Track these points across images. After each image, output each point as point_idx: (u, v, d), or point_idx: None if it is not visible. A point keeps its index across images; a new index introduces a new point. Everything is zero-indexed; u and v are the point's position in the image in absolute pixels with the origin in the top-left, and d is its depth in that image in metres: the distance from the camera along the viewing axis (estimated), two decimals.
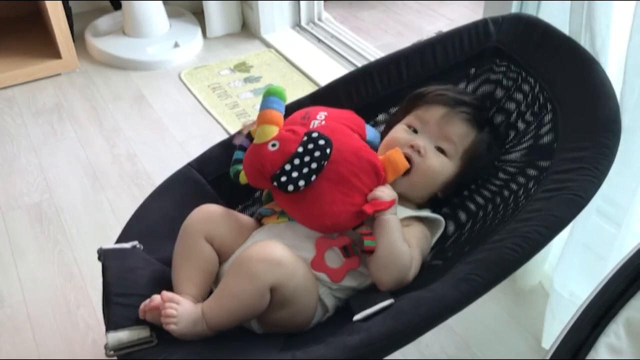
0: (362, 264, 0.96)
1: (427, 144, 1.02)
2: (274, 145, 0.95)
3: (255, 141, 0.98)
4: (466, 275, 0.82)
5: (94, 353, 1.28)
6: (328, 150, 0.93)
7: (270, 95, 0.98)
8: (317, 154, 0.93)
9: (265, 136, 0.96)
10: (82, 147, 1.91)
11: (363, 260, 0.96)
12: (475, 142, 1.04)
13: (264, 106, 0.98)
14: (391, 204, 0.93)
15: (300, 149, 0.93)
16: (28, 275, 1.46)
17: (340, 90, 1.23)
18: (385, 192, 0.94)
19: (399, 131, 1.05)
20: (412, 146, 1.01)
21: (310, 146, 0.93)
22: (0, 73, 2.18)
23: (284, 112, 0.99)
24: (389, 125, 1.12)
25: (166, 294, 0.88)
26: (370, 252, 0.93)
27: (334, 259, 0.95)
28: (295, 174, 0.92)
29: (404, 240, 0.93)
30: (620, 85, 1.02)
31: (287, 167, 0.93)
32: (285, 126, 0.99)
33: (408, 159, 0.99)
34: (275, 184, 0.93)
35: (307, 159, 0.92)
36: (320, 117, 1.05)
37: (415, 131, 1.05)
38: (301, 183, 0.92)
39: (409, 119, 1.07)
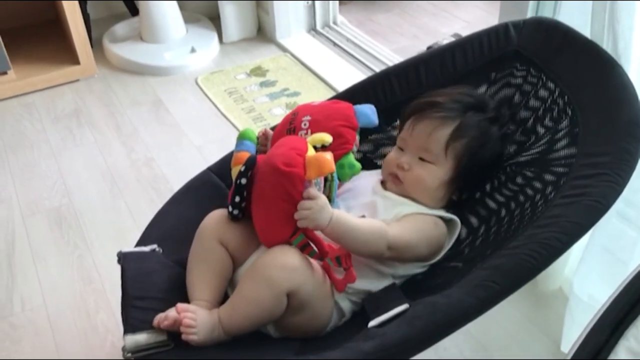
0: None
1: (410, 158, 1.04)
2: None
3: None
4: (483, 281, 0.82)
5: (113, 355, 1.29)
6: (243, 168, 0.94)
7: (238, 139, 1.08)
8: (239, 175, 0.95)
9: (233, 177, 1.02)
10: (100, 152, 1.93)
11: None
12: (457, 131, 1.02)
13: (234, 149, 1.08)
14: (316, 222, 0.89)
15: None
16: (48, 279, 1.48)
17: (358, 95, 1.22)
18: (306, 214, 0.89)
19: (390, 153, 1.09)
20: (397, 165, 1.05)
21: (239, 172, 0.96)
22: (19, 80, 2.21)
23: (252, 149, 1.07)
24: (398, 134, 1.13)
25: (180, 305, 0.88)
26: (320, 258, 0.93)
27: (339, 269, 0.95)
28: (231, 202, 0.97)
29: (356, 227, 0.92)
30: None
31: (231, 199, 0.97)
32: (274, 138, 1.09)
33: (396, 176, 1.04)
34: None
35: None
36: (305, 125, 1.08)
37: (403, 149, 1.07)
38: (230, 208, 0.96)
39: (398, 140, 1.10)
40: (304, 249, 0.92)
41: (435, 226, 1.01)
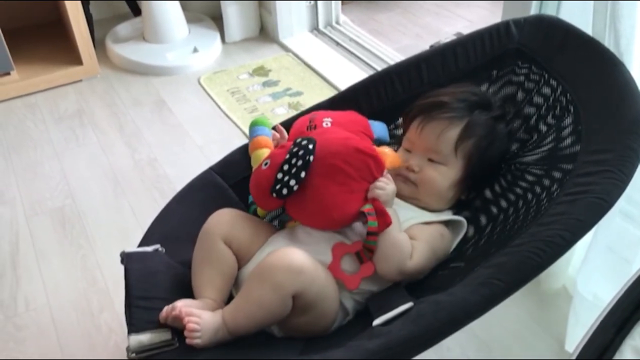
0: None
1: (419, 160, 1.05)
2: (266, 164, 0.99)
3: (253, 167, 1.04)
4: (487, 279, 0.81)
5: (117, 355, 1.29)
6: (311, 146, 0.95)
7: (254, 126, 1.13)
8: (301, 152, 0.95)
9: (258, 159, 1.04)
10: (103, 152, 1.93)
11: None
12: (465, 131, 1.03)
13: (251, 136, 1.12)
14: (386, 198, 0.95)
15: (287, 156, 0.97)
16: (52, 279, 1.48)
17: (360, 94, 1.23)
18: (383, 185, 0.95)
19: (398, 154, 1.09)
20: (407, 167, 1.05)
21: (295, 150, 0.96)
22: (22, 80, 2.22)
23: (270, 135, 1.13)
24: (403, 134, 1.13)
25: (185, 309, 0.88)
26: (373, 233, 0.93)
27: (350, 264, 0.95)
28: (286, 178, 0.96)
29: (399, 230, 0.95)
30: None
31: (279, 175, 0.96)
32: (290, 137, 1.11)
33: (406, 177, 1.04)
34: (274, 195, 0.96)
35: (294, 161, 0.96)
36: (327, 124, 1.09)
37: (409, 150, 1.07)
38: (292, 182, 0.95)
39: (404, 141, 1.10)
40: (367, 216, 0.93)
41: (441, 238, 1.01)
